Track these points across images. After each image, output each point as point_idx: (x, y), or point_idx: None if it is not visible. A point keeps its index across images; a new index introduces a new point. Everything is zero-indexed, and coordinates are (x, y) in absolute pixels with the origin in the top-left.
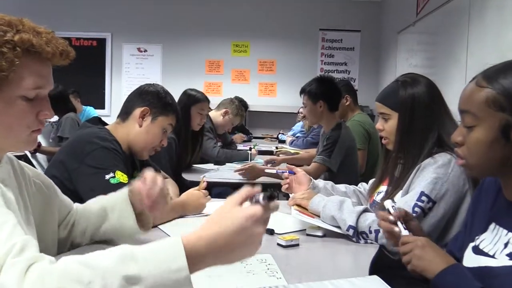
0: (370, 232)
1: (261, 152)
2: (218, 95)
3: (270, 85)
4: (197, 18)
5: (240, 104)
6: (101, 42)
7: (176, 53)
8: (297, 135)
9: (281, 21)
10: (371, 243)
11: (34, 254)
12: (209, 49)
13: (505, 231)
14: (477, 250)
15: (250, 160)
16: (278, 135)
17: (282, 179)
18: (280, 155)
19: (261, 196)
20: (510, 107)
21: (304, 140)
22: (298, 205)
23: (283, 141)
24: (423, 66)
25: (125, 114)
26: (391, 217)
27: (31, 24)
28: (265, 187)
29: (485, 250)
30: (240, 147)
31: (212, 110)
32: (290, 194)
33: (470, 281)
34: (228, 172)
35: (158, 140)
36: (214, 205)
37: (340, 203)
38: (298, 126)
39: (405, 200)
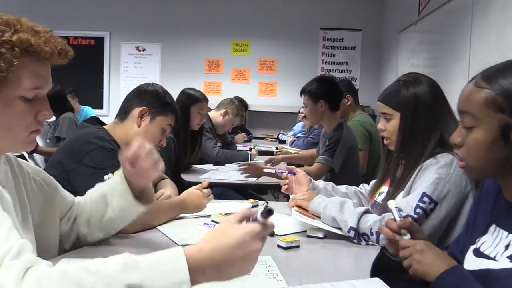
0: (372, 233)
1: (261, 153)
2: (217, 95)
3: (270, 85)
4: (196, 16)
5: (240, 104)
6: (99, 41)
7: (175, 52)
8: (297, 135)
9: (282, 20)
10: (373, 244)
11: (31, 257)
12: (208, 48)
13: (506, 233)
14: (478, 253)
15: (250, 161)
16: (278, 135)
17: (281, 179)
18: (280, 155)
19: (259, 213)
20: (510, 108)
21: (305, 140)
22: (299, 206)
23: (284, 142)
24: (425, 65)
25: (123, 114)
26: (394, 225)
27: (29, 24)
28: (265, 188)
29: (486, 252)
30: (240, 147)
31: (211, 110)
32: (290, 195)
33: (471, 283)
34: (228, 173)
35: (156, 140)
36: (214, 206)
37: (341, 204)
38: (298, 126)
39: (407, 201)
